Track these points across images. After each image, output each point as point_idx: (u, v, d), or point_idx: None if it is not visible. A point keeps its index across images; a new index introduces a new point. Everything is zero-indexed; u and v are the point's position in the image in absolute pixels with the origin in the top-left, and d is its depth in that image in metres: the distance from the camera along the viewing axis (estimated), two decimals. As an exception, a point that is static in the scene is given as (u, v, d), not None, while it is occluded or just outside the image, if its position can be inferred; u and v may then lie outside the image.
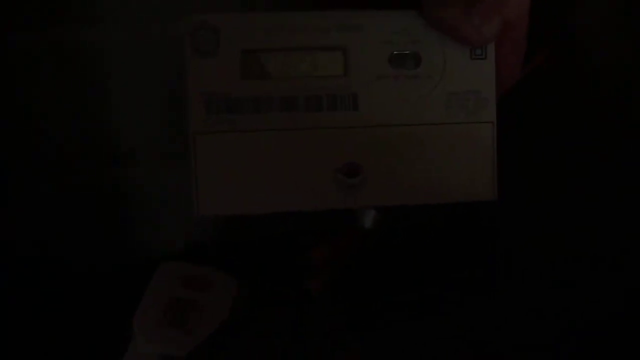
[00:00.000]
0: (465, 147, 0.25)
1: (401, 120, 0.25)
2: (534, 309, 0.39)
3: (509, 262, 0.43)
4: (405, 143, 0.25)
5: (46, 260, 0.45)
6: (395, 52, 0.24)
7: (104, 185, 0.45)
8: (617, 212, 0.41)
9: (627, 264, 0.40)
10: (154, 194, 0.46)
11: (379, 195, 0.25)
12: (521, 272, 0.42)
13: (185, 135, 0.24)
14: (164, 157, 0.44)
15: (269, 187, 0.24)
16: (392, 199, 0.25)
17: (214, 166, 0.24)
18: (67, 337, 0.41)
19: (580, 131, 0.43)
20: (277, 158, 0.24)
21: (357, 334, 0.40)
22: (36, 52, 0.39)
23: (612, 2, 0.44)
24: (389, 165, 0.25)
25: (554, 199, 0.42)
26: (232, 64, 0.23)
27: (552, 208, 0.42)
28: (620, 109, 0.43)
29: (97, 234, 0.46)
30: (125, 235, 0.46)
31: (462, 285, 0.42)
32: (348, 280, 0.44)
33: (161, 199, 0.46)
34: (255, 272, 0.44)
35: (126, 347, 0.40)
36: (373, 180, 0.25)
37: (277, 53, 0.23)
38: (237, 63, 0.23)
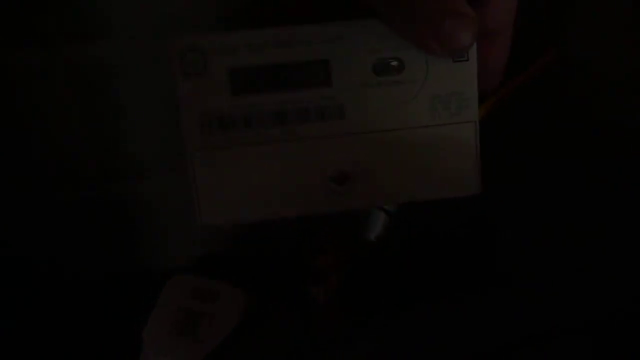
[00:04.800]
0: (449, 146, 0.26)
1: (386, 125, 0.25)
2: (534, 309, 0.40)
3: (508, 265, 0.43)
4: (391, 147, 0.25)
5: (55, 273, 0.46)
6: (378, 60, 0.25)
7: (113, 199, 0.45)
8: (616, 213, 0.41)
9: (626, 264, 0.40)
10: (163, 208, 0.46)
11: (368, 198, 0.26)
12: (521, 273, 0.42)
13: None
14: (172, 171, 0.45)
15: (265, 197, 0.25)
16: (380, 199, 0.26)
17: (213, 180, 0.25)
18: (77, 350, 0.42)
19: (575, 137, 0.43)
20: (270, 169, 0.25)
21: (363, 337, 0.40)
22: (47, 69, 0.40)
23: (612, 13, 0.45)
24: (376, 168, 0.26)
25: (553, 201, 0.43)
26: (221, 82, 0.24)
27: (551, 211, 0.43)
28: (614, 115, 0.43)
29: (107, 248, 0.46)
30: (134, 249, 0.47)
31: (463, 287, 0.42)
32: (353, 286, 0.44)
33: (169, 213, 0.47)
34: (262, 282, 0.44)
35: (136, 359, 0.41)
36: (362, 184, 0.26)
37: (264, 69, 0.24)
38: (226, 81, 0.24)
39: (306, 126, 0.25)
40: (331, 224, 0.44)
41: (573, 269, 0.41)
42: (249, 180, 0.25)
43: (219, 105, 0.24)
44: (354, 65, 0.25)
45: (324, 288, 0.44)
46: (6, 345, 0.42)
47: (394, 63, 0.25)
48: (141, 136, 0.43)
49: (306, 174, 0.25)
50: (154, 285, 0.44)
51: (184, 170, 0.45)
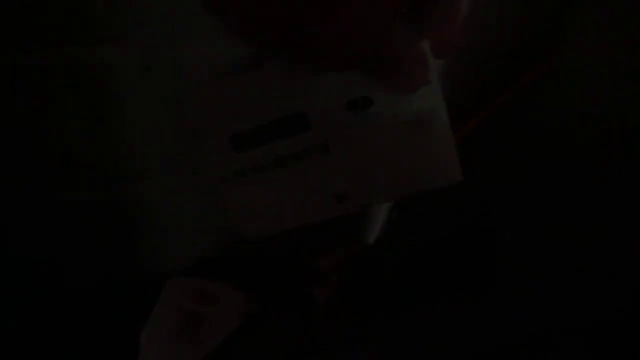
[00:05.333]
0: (429, 148, 0.29)
1: (367, 150, 0.29)
2: (534, 309, 0.40)
3: (508, 265, 0.43)
4: (376, 162, 0.29)
5: (55, 273, 0.46)
6: (349, 100, 0.28)
7: (115, 200, 0.45)
8: (616, 213, 0.41)
9: (626, 264, 0.40)
10: (163, 208, 0.47)
11: (363, 203, 0.30)
12: (521, 273, 0.42)
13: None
14: (172, 171, 0.45)
15: (277, 215, 0.31)
16: (373, 201, 0.30)
17: (240, 205, 0.31)
18: (77, 350, 0.42)
19: (574, 137, 0.43)
20: (279, 196, 0.30)
21: (363, 337, 0.40)
22: (47, 69, 0.40)
23: (612, 13, 0.45)
24: (366, 183, 0.30)
25: (553, 201, 0.43)
26: (225, 145, 0.29)
27: (551, 211, 0.43)
28: (614, 116, 0.43)
29: (106, 248, 0.46)
30: (134, 249, 0.47)
31: (462, 287, 0.42)
32: (353, 286, 0.44)
33: (169, 213, 0.47)
34: (262, 282, 0.44)
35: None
36: (355, 196, 0.30)
37: (255, 130, 0.29)
38: (229, 144, 0.29)
39: (300, 165, 0.29)
40: (331, 225, 0.44)
41: (573, 269, 0.41)
42: (264, 203, 0.31)
43: (229, 161, 0.30)
44: (329, 108, 0.28)
45: (324, 288, 0.44)
46: (6, 345, 0.42)
47: (364, 100, 0.28)
48: (141, 136, 0.43)
49: (307, 197, 0.30)
50: (154, 286, 0.44)
51: (184, 170, 0.45)
